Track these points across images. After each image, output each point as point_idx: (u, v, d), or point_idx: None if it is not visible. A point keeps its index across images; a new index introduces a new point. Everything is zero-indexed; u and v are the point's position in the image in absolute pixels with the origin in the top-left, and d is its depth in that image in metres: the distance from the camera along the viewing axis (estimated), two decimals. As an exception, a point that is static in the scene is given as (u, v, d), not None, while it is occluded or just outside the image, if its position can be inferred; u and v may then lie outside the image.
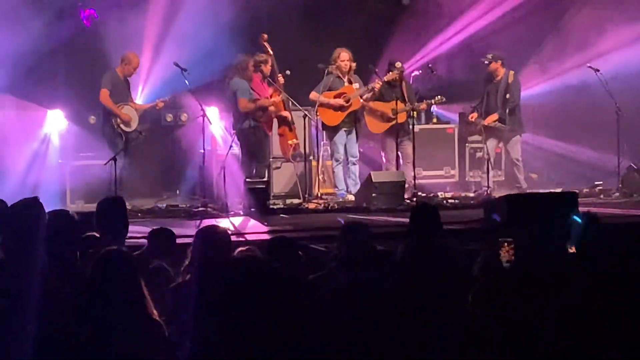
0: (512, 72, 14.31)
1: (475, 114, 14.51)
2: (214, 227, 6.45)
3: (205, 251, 5.61)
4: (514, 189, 13.71)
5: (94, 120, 14.60)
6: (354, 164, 13.83)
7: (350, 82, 13.78)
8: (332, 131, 13.80)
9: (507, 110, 14.15)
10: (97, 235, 6.52)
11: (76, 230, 5.96)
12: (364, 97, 13.76)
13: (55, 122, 14.65)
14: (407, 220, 7.37)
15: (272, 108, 13.37)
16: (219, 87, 14.06)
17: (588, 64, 14.52)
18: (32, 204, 5.79)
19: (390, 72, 13.77)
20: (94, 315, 4.78)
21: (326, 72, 13.60)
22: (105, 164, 12.63)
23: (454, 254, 6.66)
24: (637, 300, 4.87)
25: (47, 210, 5.92)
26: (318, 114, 13.63)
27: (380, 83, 13.68)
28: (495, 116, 14.20)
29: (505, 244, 6.60)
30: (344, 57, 13.66)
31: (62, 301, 5.11)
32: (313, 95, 13.63)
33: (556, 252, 6.36)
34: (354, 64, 13.78)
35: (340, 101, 13.63)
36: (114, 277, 4.83)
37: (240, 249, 5.60)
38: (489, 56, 14.28)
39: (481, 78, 14.63)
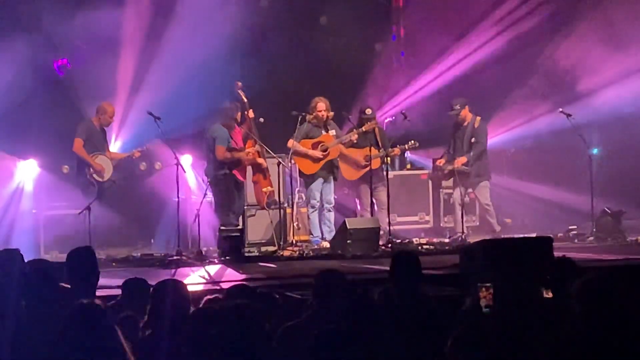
0: (478, 118, 14.26)
1: (442, 160, 14.50)
2: (169, 282, 6.31)
3: (163, 308, 5.54)
4: (489, 234, 13.71)
5: (67, 170, 14.53)
6: (330, 210, 13.80)
7: (327, 130, 13.80)
8: (309, 179, 13.79)
9: (472, 155, 14.11)
10: (68, 286, 6.43)
11: (55, 279, 5.92)
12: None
13: (29, 171, 14.57)
14: (381, 267, 7.35)
15: (248, 157, 13.38)
16: (193, 136, 14.06)
17: (560, 109, 14.58)
18: (11, 255, 5.76)
19: (368, 123, 13.80)
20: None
21: (300, 119, 13.59)
22: (79, 214, 12.58)
23: (430, 299, 6.64)
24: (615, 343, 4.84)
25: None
26: (293, 161, 13.62)
27: (358, 135, 13.72)
28: (464, 159, 14.11)
29: (484, 289, 6.57)
30: (320, 107, 13.64)
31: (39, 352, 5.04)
32: (290, 143, 13.60)
33: (532, 296, 6.34)
34: (331, 113, 13.77)
35: (317, 153, 13.60)
36: (88, 329, 4.75)
37: (207, 297, 5.53)
38: (457, 106, 14.23)
39: (452, 124, 14.60)
